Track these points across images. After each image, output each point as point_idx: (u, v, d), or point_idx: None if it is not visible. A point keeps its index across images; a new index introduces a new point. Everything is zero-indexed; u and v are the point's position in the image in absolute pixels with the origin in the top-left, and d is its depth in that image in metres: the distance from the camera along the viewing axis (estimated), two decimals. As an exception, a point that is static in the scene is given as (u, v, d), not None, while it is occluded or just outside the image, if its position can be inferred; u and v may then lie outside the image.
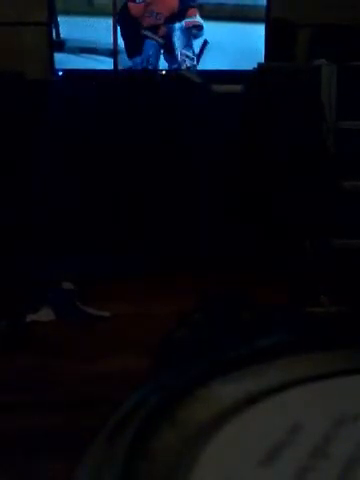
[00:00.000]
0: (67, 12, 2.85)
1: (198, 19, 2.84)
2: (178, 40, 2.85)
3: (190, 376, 0.40)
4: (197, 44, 2.89)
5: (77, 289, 2.41)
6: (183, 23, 2.84)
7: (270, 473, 0.32)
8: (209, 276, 2.47)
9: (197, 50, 2.88)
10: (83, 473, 0.32)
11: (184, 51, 2.83)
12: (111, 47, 2.89)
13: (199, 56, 2.88)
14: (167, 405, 0.37)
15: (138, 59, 2.85)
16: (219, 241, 2.71)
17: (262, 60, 2.89)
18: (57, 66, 2.88)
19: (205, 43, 2.84)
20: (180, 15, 2.84)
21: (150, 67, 2.78)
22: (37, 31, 2.94)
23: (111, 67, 2.89)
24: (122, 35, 2.85)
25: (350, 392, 0.40)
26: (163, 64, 2.88)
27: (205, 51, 2.89)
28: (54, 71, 2.88)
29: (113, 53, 2.89)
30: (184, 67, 2.87)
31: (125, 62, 2.88)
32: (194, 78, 2.77)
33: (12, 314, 2.19)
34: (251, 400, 0.38)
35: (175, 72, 2.82)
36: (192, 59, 2.84)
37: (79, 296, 2.36)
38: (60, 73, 2.88)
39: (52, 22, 2.85)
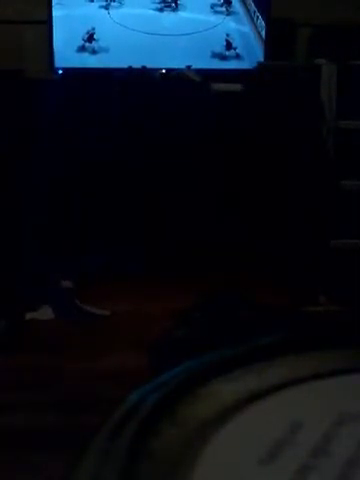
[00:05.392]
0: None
1: None
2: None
3: (190, 375, 0.40)
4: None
5: (76, 288, 2.41)
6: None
7: (271, 471, 0.32)
8: (208, 276, 2.47)
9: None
10: (83, 473, 0.32)
11: None
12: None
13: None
14: (167, 404, 0.37)
15: None
16: (219, 241, 2.70)
17: (262, 59, 2.89)
18: (57, 64, 2.88)
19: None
20: None
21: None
22: (37, 29, 2.94)
23: (111, 66, 2.89)
24: None
25: (350, 391, 0.40)
26: (163, 63, 2.87)
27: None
28: (54, 69, 2.88)
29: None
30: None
31: (124, 60, 2.88)
32: (194, 77, 2.77)
33: (11, 313, 2.19)
34: (251, 399, 0.38)
35: (175, 71, 2.82)
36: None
37: (78, 295, 2.36)
38: (60, 71, 2.88)
39: (52, 20, 2.85)
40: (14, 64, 2.89)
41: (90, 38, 2.90)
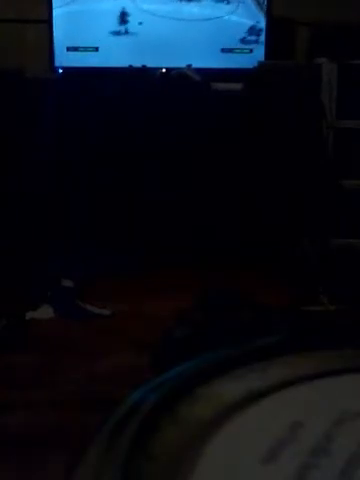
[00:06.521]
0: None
1: None
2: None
3: (190, 375, 0.40)
4: None
5: (77, 287, 2.41)
6: None
7: (272, 470, 0.32)
8: (209, 275, 2.47)
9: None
10: (84, 472, 0.32)
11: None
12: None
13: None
14: (167, 404, 0.37)
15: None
16: (219, 240, 2.71)
17: (262, 58, 2.89)
18: (57, 64, 2.88)
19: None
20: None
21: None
22: (37, 29, 2.94)
23: (110, 65, 2.89)
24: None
25: (350, 391, 0.40)
26: (162, 62, 2.87)
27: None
28: (54, 68, 2.88)
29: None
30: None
31: (124, 60, 2.88)
32: (194, 76, 2.77)
33: (12, 312, 2.18)
34: (252, 398, 0.38)
35: (175, 70, 2.82)
36: None
37: (79, 294, 2.36)
38: (60, 71, 2.88)
39: (52, 19, 2.85)
40: (14, 63, 2.89)
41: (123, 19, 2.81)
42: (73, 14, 2.89)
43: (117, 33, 2.92)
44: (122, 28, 2.92)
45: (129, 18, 2.91)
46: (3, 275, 2.39)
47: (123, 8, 2.90)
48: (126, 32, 2.92)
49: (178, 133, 2.68)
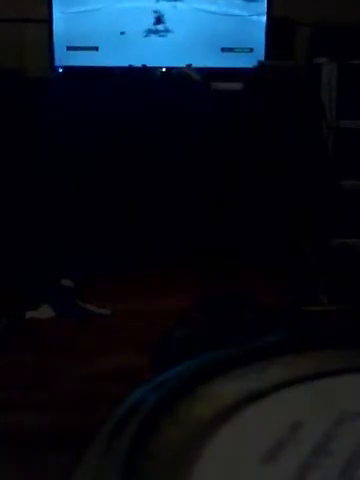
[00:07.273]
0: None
1: None
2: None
3: (190, 375, 0.40)
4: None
5: (77, 286, 2.41)
6: None
7: (272, 470, 0.32)
8: (209, 275, 2.47)
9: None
10: (83, 473, 0.32)
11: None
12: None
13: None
14: (167, 404, 0.37)
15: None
16: (219, 240, 2.71)
17: (262, 58, 2.89)
18: (57, 63, 2.88)
19: None
20: None
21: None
22: (37, 28, 2.94)
23: (110, 64, 2.89)
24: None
25: (350, 391, 0.40)
26: (162, 61, 2.87)
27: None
28: (54, 68, 2.88)
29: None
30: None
31: (124, 59, 2.88)
32: (194, 76, 2.77)
33: (12, 312, 2.19)
34: (252, 398, 0.38)
35: (175, 69, 2.82)
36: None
37: (79, 294, 2.36)
38: (60, 70, 2.88)
39: (52, 19, 2.85)
40: (14, 62, 2.89)
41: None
42: (73, 14, 2.89)
43: (117, 32, 2.92)
44: (122, 27, 2.92)
45: (130, 18, 2.92)
46: (3, 275, 2.39)
47: (124, 7, 2.91)
48: (126, 32, 2.92)
49: (178, 133, 2.68)
